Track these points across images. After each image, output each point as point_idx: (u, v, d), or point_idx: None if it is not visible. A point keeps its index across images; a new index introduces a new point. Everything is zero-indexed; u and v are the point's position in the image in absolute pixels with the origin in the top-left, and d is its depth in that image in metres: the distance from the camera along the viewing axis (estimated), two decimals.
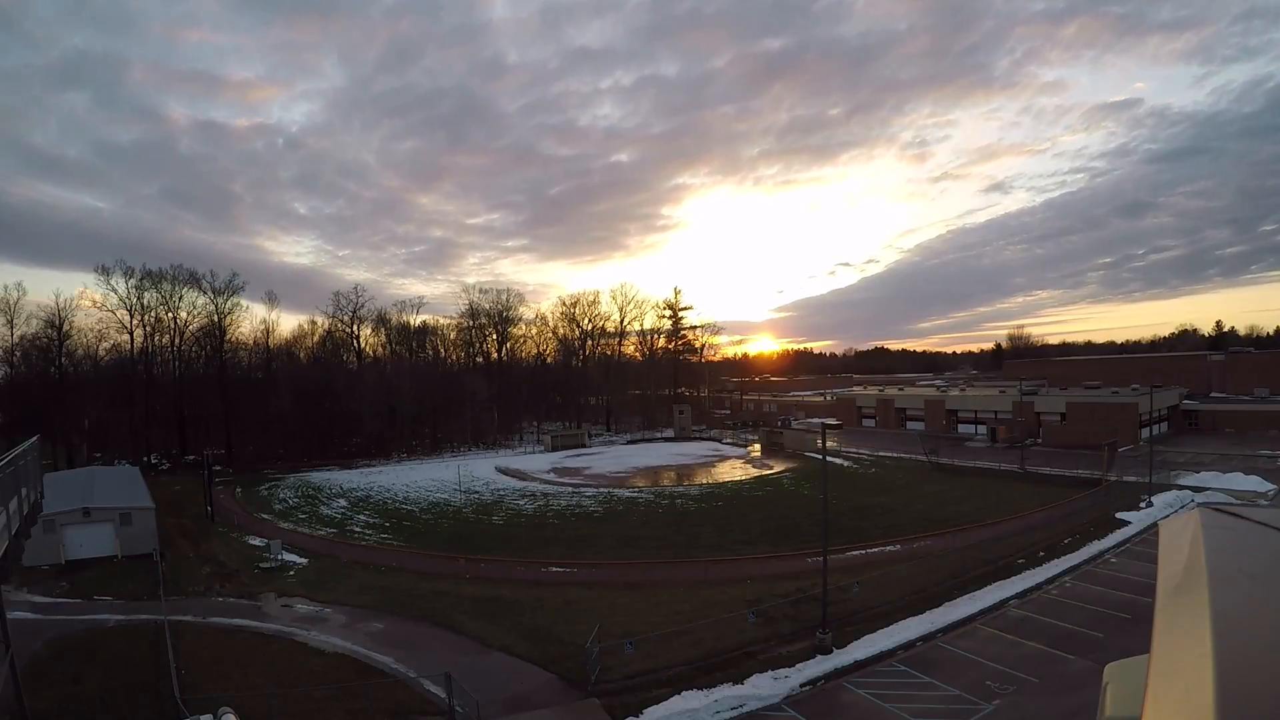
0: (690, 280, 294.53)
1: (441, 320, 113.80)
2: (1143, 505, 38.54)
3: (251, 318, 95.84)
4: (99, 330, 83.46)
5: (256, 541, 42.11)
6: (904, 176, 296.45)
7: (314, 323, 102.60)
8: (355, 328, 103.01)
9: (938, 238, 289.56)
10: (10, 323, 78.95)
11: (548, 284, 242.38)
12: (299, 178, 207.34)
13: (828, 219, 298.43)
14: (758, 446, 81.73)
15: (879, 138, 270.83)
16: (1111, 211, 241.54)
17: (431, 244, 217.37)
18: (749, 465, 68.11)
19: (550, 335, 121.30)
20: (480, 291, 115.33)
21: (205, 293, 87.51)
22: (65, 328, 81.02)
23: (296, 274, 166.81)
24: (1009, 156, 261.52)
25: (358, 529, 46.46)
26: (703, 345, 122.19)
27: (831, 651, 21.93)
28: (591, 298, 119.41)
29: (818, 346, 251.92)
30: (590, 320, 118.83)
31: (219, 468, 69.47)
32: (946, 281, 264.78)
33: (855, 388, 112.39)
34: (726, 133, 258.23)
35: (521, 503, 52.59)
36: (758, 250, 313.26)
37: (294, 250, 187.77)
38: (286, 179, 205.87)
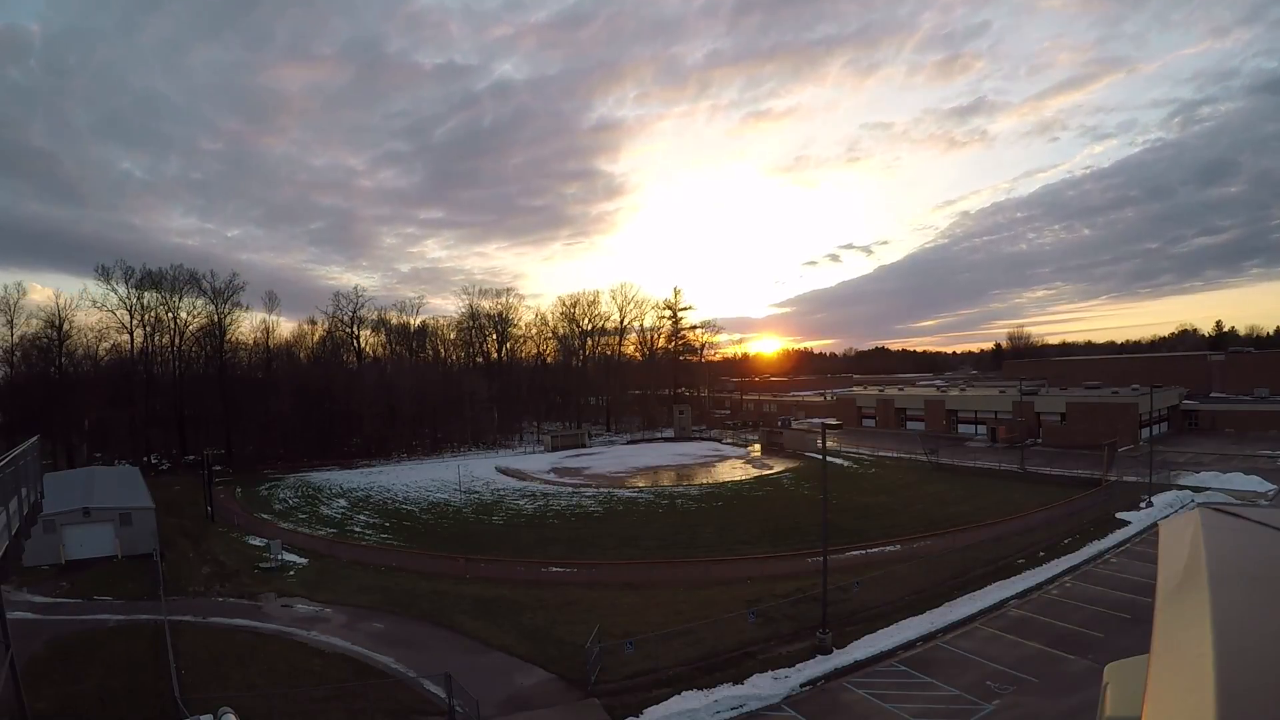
0: (666, 269, 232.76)
1: (441, 320, 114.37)
2: (1143, 505, 38.54)
3: (251, 318, 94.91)
4: (99, 330, 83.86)
5: (256, 541, 42.11)
6: (920, 104, 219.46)
7: (314, 323, 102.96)
8: (355, 328, 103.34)
9: (963, 215, 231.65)
10: (10, 323, 79.21)
11: (495, 269, 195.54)
12: (100, 123, 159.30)
13: (819, 181, 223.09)
14: (758, 446, 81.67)
15: (884, 30, 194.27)
16: (1186, 176, 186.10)
17: (329, 218, 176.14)
18: (749, 465, 68.07)
19: (550, 335, 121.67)
20: (480, 292, 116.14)
21: (205, 293, 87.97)
22: (65, 328, 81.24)
23: (186, 258, 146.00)
24: (1067, 78, 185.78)
25: (358, 529, 46.47)
26: (702, 345, 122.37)
27: (831, 651, 21.94)
28: (591, 297, 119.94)
29: (818, 346, 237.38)
30: (590, 320, 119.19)
31: (219, 468, 69.45)
32: (973, 269, 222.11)
33: (855, 388, 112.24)
34: (650, 15, 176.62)
35: (521, 503, 52.59)
36: (736, 227, 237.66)
37: (169, 228, 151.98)
38: (87, 126, 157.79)
